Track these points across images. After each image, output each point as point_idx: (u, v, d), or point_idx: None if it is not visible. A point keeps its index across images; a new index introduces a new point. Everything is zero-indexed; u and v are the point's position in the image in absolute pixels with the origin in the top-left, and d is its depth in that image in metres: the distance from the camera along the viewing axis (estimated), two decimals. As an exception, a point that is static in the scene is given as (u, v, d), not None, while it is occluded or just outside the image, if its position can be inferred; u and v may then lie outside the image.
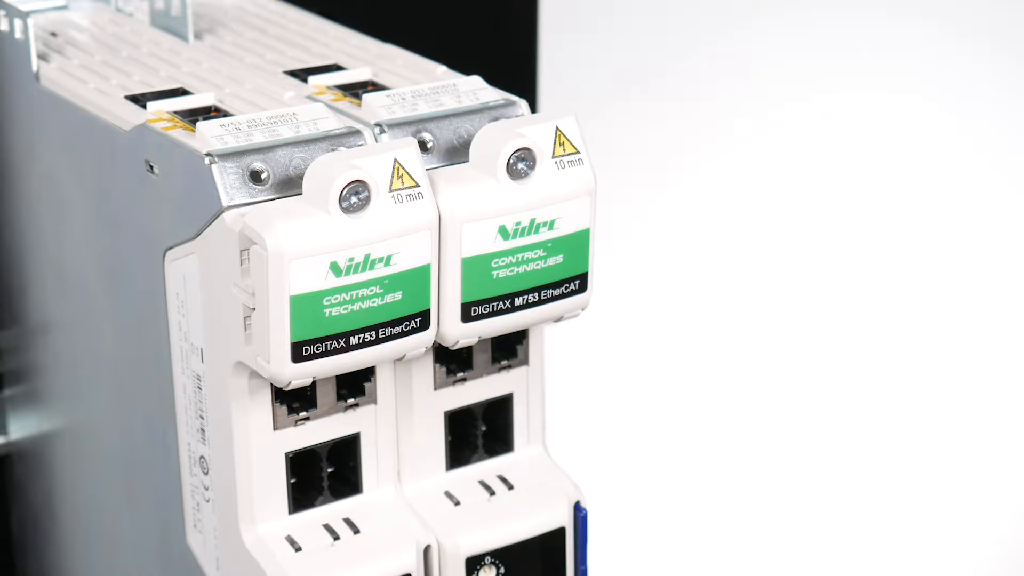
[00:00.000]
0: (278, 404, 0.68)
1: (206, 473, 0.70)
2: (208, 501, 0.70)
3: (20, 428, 0.89)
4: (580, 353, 1.38)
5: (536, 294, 0.68)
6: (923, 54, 1.59)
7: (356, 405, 0.70)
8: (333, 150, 0.66)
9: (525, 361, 0.74)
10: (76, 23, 0.83)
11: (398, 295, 0.64)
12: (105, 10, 0.85)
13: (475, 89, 0.71)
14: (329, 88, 0.73)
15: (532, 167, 0.66)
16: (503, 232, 0.66)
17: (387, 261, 0.63)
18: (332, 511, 0.70)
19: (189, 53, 0.78)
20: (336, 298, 0.63)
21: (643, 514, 1.30)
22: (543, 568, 0.73)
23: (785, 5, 1.60)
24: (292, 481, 0.69)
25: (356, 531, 0.70)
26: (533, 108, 0.79)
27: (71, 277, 0.78)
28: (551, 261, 0.68)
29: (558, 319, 0.69)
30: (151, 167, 0.68)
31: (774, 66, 1.59)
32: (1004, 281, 1.50)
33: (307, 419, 0.69)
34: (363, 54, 0.78)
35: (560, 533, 0.73)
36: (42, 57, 0.78)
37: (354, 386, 0.70)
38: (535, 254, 0.67)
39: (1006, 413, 1.40)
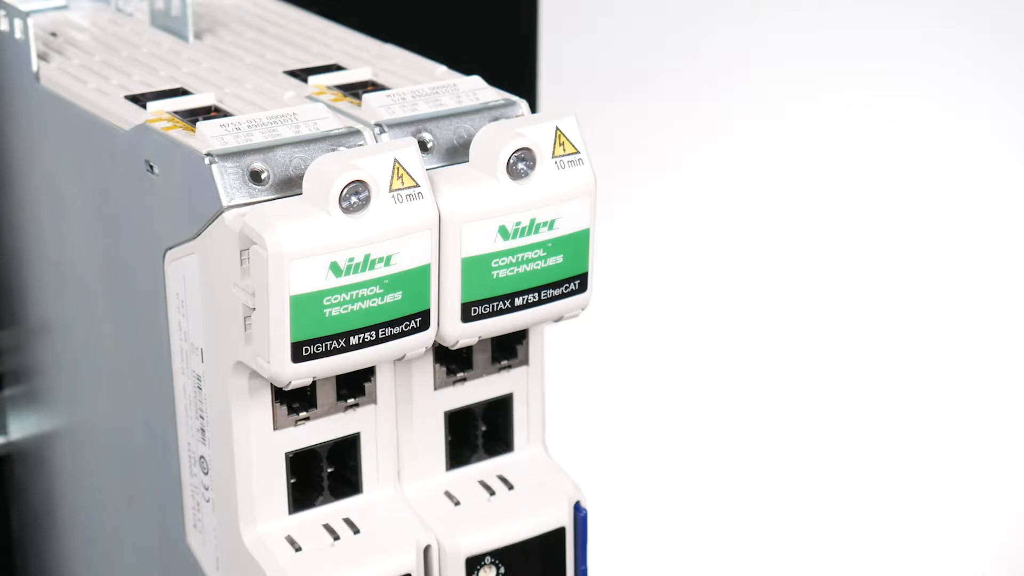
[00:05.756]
0: (278, 404, 0.68)
1: (206, 473, 0.70)
2: (208, 501, 0.70)
3: (20, 428, 0.89)
4: (580, 353, 1.38)
5: (536, 294, 0.68)
6: (923, 54, 1.59)
7: (356, 405, 0.70)
8: (333, 150, 0.66)
9: (525, 361, 0.74)
10: (76, 23, 0.83)
11: (398, 295, 0.64)
12: (105, 10, 0.85)
13: (475, 89, 0.71)
14: (329, 88, 0.73)
15: (532, 167, 0.66)
16: (503, 232, 0.66)
17: (387, 261, 0.63)
18: (332, 511, 0.70)
19: (189, 53, 0.78)
20: (336, 298, 0.63)
21: (643, 514, 1.30)
22: (543, 568, 0.73)
23: (785, 5, 1.60)
24: (292, 481, 0.69)
25: (356, 531, 0.70)
26: (533, 108, 0.79)
27: (71, 277, 0.78)
28: (551, 261, 0.68)
29: (558, 319, 0.69)
30: (151, 167, 0.68)
31: (774, 66, 1.59)
32: (1004, 281, 1.50)
33: (307, 419, 0.69)
34: (363, 54, 0.78)
35: (560, 533, 0.73)
36: (42, 57, 0.78)
37: (354, 386, 0.70)
38: (535, 254, 0.67)
39: (1006, 413, 1.40)
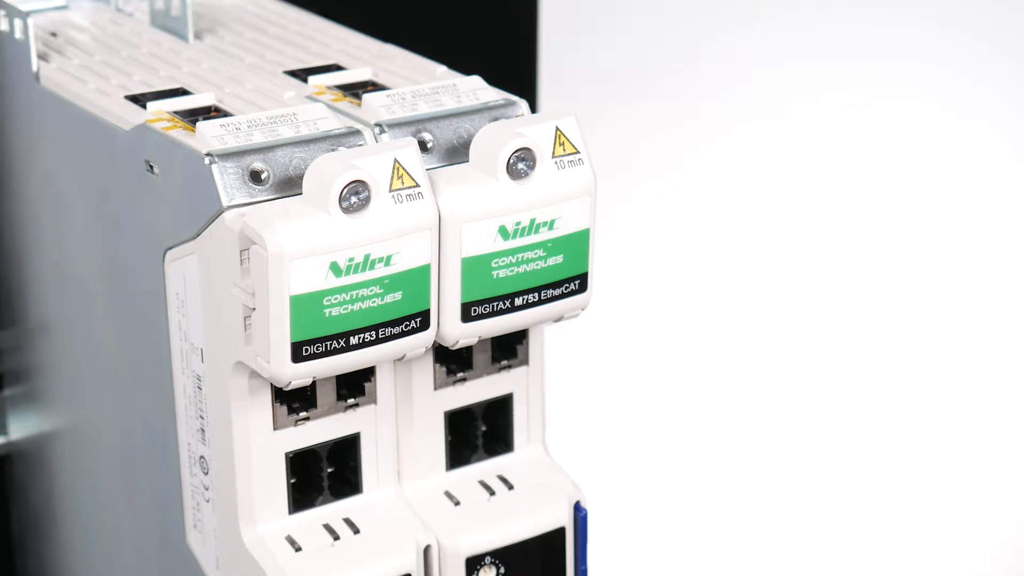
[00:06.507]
0: (278, 404, 0.68)
1: (206, 473, 0.70)
2: (208, 501, 0.70)
3: (20, 428, 0.89)
4: (580, 353, 1.38)
5: (536, 294, 0.68)
6: (923, 54, 1.59)
7: (356, 405, 0.70)
8: (333, 150, 0.66)
9: (525, 361, 0.74)
10: (76, 23, 0.83)
11: (398, 295, 0.64)
12: (105, 10, 0.85)
13: (475, 89, 0.71)
14: (329, 88, 0.73)
15: (532, 167, 0.66)
16: (503, 232, 0.66)
17: (387, 261, 0.63)
18: (332, 511, 0.70)
19: (189, 53, 0.78)
20: (336, 298, 0.63)
21: (643, 514, 1.30)
22: (543, 568, 0.73)
23: (785, 5, 1.60)
24: (292, 481, 0.69)
25: (356, 531, 0.70)
26: (533, 108, 0.79)
27: (71, 277, 0.78)
28: (551, 261, 0.68)
29: (558, 319, 0.69)
30: (151, 167, 0.68)
31: (774, 66, 1.59)
32: (1004, 281, 1.50)
33: (307, 419, 0.69)
34: (363, 54, 0.78)
35: (560, 533, 0.73)
36: (42, 57, 0.78)
37: (354, 386, 0.70)
38: (535, 254, 0.67)
39: (1006, 413, 1.40)
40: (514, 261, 0.67)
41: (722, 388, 1.41)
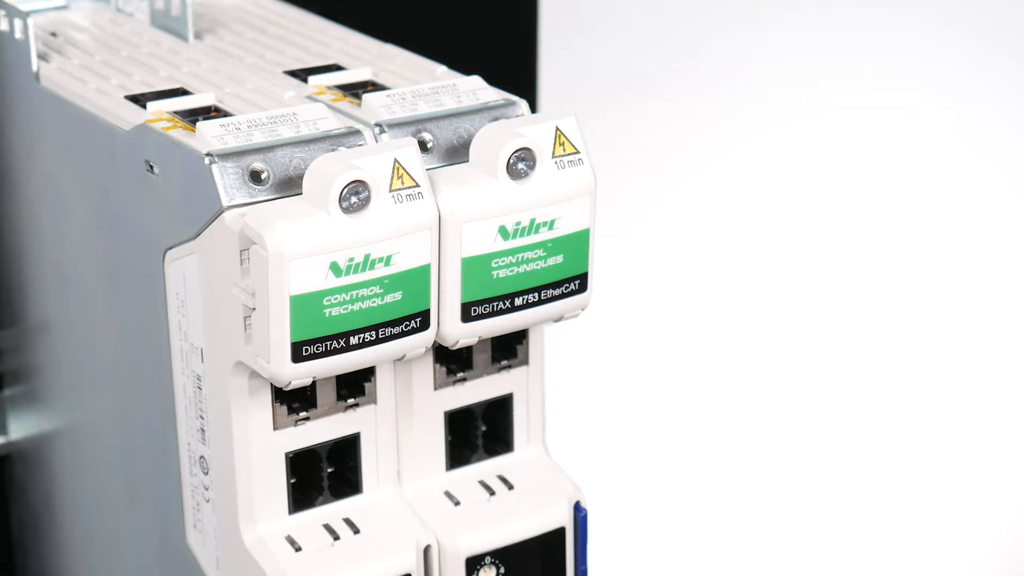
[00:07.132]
0: (278, 404, 0.68)
1: (206, 473, 0.70)
2: (208, 501, 0.70)
3: (20, 428, 0.89)
4: (580, 353, 1.38)
5: (536, 294, 0.68)
6: (923, 54, 1.59)
7: (356, 405, 0.70)
8: (333, 150, 0.66)
9: (525, 361, 0.74)
10: (76, 23, 0.83)
11: (398, 295, 0.64)
12: (105, 10, 0.85)
13: (475, 89, 0.71)
14: (329, 88, 0.73)
15: (532, 167, 0.66)
16: (503, 232, 0.66)
17: (387, 261, 0.63)
18: (332, 511, 0.70)
19: (189, 53, 0.78)
20: (336, 298, 0.63)
21: (643, 514, 1.30)
22: (543, 568, 0.73)
23: (785, 5, 1.60)
24: (292, 481, 0.69)
25: (356, 531, 0.70)
26: (533, 108, 0.79)
27: (71, 277, 0.78)
28: (551, 261, 0.68)
29: (558, 319, 0.69)
30: (151, 167, 0.68)
31: (774, 66, 1.59)
32: (1004, 281, 1.50)
33: (307, 419, 0.69)
34: (363, 54, 0.78)
35: (560, 533, 0.73)
36: (42, 57, 0.78)
37: (354, 386, 0.70)
38: (535, 254, 0.67)
39: (1006, 413, 1.40)
40: (514, 261, 0.67)
41: (722, 388, 1.41)
